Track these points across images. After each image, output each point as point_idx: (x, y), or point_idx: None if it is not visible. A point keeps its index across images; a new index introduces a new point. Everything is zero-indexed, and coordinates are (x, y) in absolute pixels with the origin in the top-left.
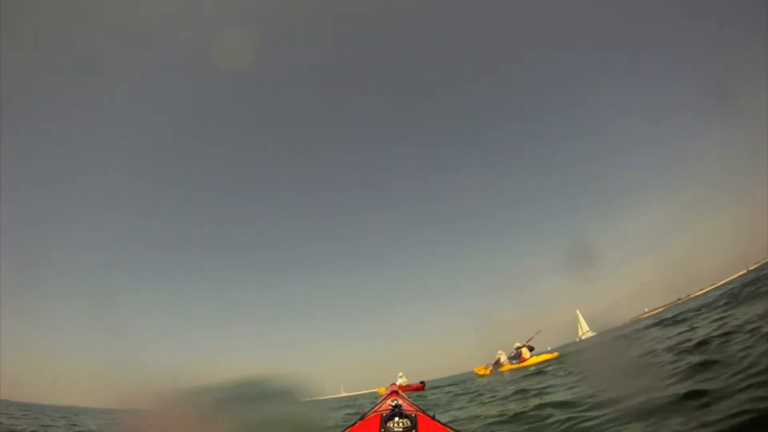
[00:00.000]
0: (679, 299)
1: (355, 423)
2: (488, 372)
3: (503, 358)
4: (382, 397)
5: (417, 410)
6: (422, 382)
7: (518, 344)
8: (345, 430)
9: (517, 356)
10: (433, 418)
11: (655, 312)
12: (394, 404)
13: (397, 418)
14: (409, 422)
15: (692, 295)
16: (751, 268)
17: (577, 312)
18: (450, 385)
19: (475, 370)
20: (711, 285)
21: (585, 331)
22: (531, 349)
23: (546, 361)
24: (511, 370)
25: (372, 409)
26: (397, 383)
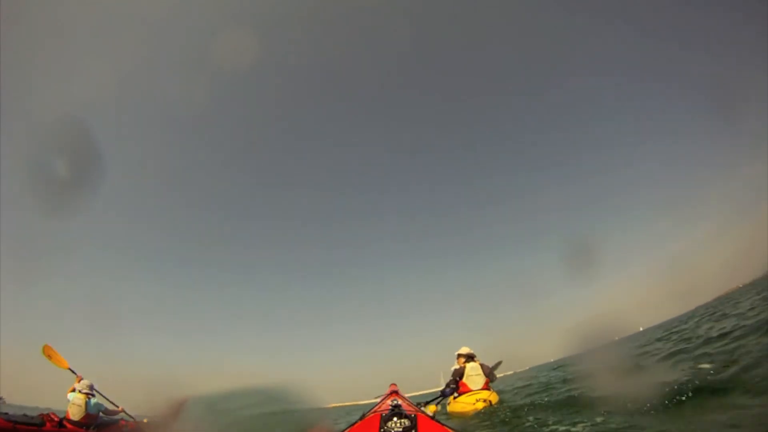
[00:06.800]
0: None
1: (355, 423)
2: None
3: None
4: (382, 397)
5: (417, 410)
6: None
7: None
8: (345, 430)
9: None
10: (432, 418)
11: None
12: (393, 404)
13: (396, 418)
14: (408, 422)
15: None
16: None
17: None
18: None
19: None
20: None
21: None
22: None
23: None
24: None
25: (372, 409)
26: None
